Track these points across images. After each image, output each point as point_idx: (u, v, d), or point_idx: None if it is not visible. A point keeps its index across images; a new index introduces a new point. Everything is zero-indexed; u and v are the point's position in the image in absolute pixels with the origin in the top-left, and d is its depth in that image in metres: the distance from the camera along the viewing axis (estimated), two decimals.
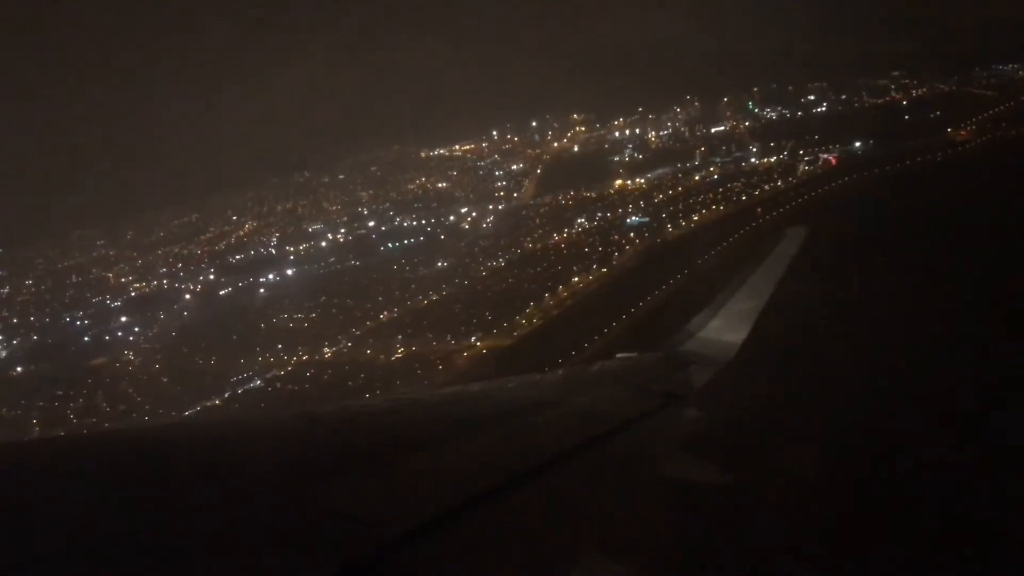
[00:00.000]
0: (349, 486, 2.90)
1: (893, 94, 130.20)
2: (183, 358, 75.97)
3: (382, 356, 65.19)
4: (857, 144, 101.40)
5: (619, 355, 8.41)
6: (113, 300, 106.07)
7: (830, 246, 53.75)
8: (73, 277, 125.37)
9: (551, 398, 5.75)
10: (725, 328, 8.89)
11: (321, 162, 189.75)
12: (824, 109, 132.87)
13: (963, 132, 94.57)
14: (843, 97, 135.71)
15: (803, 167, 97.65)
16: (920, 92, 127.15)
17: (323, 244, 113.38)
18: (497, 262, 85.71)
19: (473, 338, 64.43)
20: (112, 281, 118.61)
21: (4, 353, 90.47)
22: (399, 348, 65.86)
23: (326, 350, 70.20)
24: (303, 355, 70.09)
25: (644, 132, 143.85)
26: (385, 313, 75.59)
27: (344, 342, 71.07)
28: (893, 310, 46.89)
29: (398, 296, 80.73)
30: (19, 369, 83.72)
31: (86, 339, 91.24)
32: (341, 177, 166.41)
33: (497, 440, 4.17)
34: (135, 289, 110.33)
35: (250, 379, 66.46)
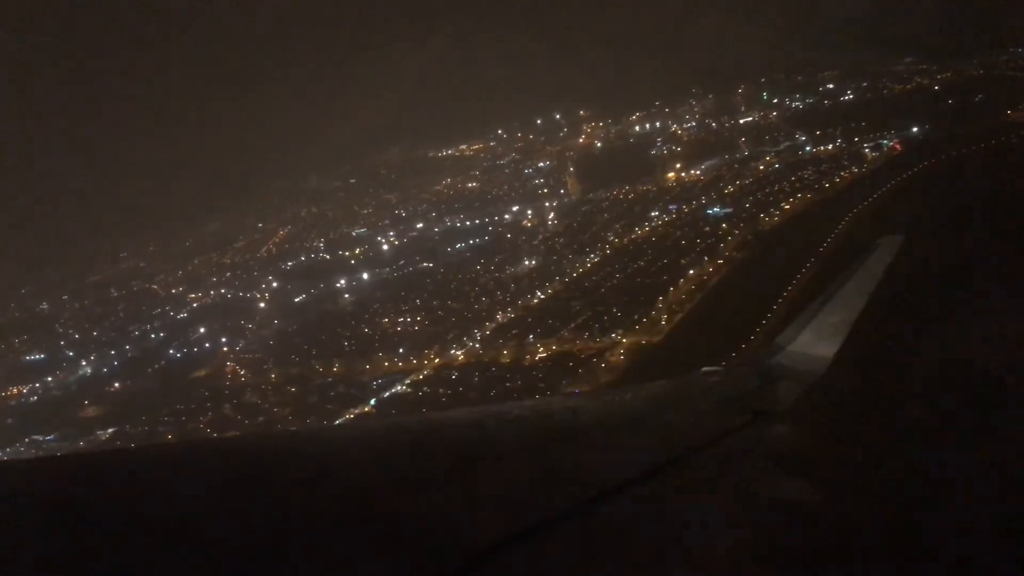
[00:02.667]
0: (434, 498, 2.91)
1: (919, 79, 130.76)
2: (298, 366, 75.43)
3: (527, 357, 65.12)
4: (914, 129, 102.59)
5: (705, 369, 8.06)
6: (176, 312, 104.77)
7: (940, 238, 55.24)
8: (112, 291, 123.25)
9: (636, 412, 5.66)
10: (815, 342, 8.59)
11: (321, 166, 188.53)
12: (852, 97, 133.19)
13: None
14: (864, 84, 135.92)
15: (870, 153, 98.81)
16: (946, 76, 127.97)
17: (384, 247, 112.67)
18: (589, 258, 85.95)
19: (614, 335, 64.58)
20: (161, 292, 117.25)
21: (89, 370, 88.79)
22: (539, 348, 65.84)
23: (456, 352, 70.06)
24: (434, 358, 69.85)
25: (666, 125, 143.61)
26: (500, 314, 75.45)
27: (470, 344, 70.99)
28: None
29: (500, 296, 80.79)
30: (117, 385, 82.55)
31: (170, 351, 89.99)
32: (352, 181, 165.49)
33: (581, 454, 4.13)
34: (194, 300, 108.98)
35: (390, 384, 66.10)
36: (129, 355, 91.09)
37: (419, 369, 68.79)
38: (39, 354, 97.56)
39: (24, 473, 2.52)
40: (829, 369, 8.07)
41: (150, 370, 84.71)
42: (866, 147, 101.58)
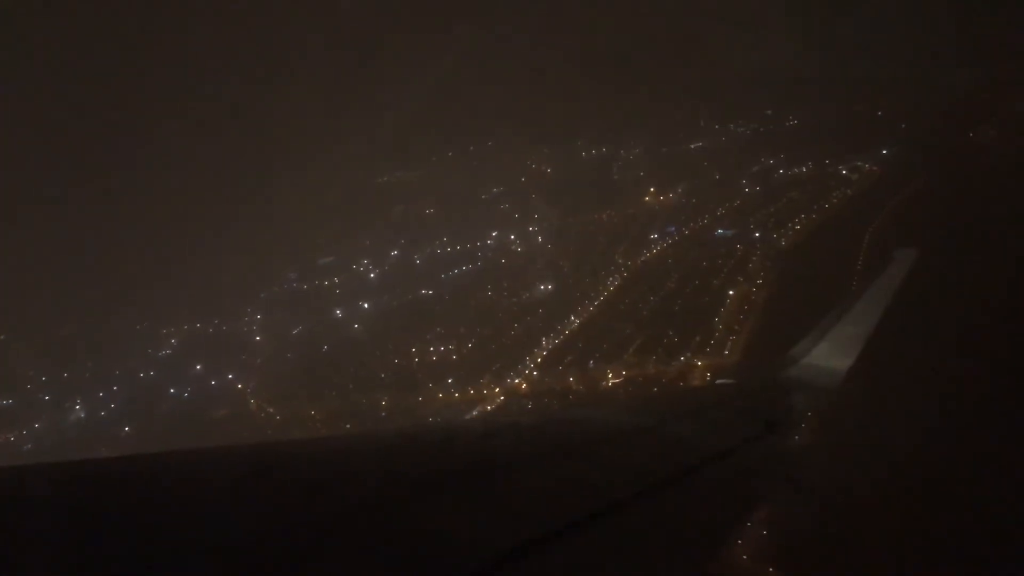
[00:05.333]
0: (446, 506, 2.97)
1: (858, 107, 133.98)
2: (337, 400, 72.27)
3: (601, 383, 64.23)
4: (883, 151, 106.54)
5: (719, 381, 8.87)
6: (155, 349, 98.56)
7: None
8: (61, 329, 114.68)
9: (650, 424, 5.72)
10: (830, 354, 8.81)
11: (246, 188, 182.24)
12: (796, 123, 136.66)
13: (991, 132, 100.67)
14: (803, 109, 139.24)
15: (851, 175, 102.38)
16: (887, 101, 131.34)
17: (371, 276, 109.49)
18: (610, 281, 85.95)
19: (684, 358, 64.54)
20: (120, 328, 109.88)
21: (83, 414, 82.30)
22: (608, 374, 65.17)
23: (516, 381, 68.62)
24: (494, 388, 68.24)
25: (614, 151, 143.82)
26: (544, 339, 74.41)
27: (525, 372, 69.71)
28: None
29: (531, 321, 79.87)
30: (127, 429, 76.88)
31: (172, 391, 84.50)
32: (290, 205, 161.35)
33: (594, 465, 4.20)
34: (169, 335, 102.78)
35: (456, 417, 63.97)
36: (123, 397, 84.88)
37: (481, 400, 66.98)
38: (6, 399, 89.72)
39: (37, 478, 2.51)
40: (844, 382, 8.31)
41: (158, 412, 79.25)
42: (843, 169, 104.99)
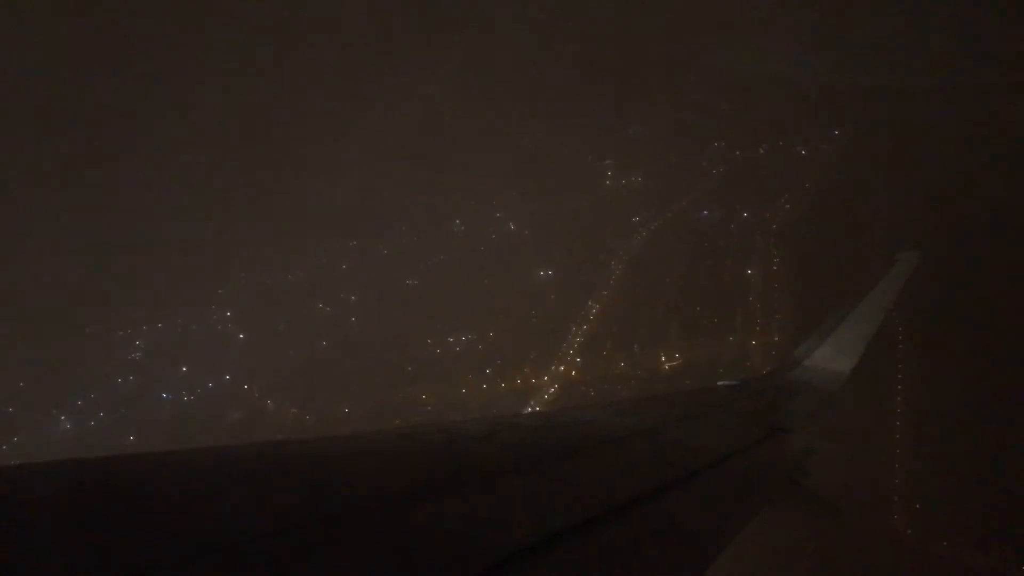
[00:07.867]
0: (446, 508, 2.98)
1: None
2: (370, 397, 68.93)
3: (659, 367, 63.82)
4: (836, 132, 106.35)
5: (721, 382, 8.68)
6: (125, 352, 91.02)
7: None
8: None
9: (651, 426, 5.71)
10: (833, 356, 8.94)
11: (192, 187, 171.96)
12: (728, 107, 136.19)
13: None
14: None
15: (813, 155, 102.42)
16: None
17: (343, 267, 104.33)
18: (612, 266, 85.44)
19: (732, 338, 65.00)
20: (73, 333, 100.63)
21: (69, 424, 75.52)
22: (662, 358, 64.92)
23: (562, 368, 67.47)
24: (543, 376, 66.83)
25: (545, 136, 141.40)
26: (573, 326, 73.44)
27: (567, 359, 68.64)
28: None
29: (550, 309, 78.48)
30: (132, 438, 70.85)
31: (164, 395, 78.56)
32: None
33: (595, 468, 4.18)
34: (131, 337, 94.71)
35: (513, 408, 62.36)
36: (107, 404, 78.28)
37: (533, 390, 65.46)
38: None
39: (38, 476, 2.55)
40: (847, 384, 8.60)
41: (159, 418, 73.45)
42: (802, 150, 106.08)
